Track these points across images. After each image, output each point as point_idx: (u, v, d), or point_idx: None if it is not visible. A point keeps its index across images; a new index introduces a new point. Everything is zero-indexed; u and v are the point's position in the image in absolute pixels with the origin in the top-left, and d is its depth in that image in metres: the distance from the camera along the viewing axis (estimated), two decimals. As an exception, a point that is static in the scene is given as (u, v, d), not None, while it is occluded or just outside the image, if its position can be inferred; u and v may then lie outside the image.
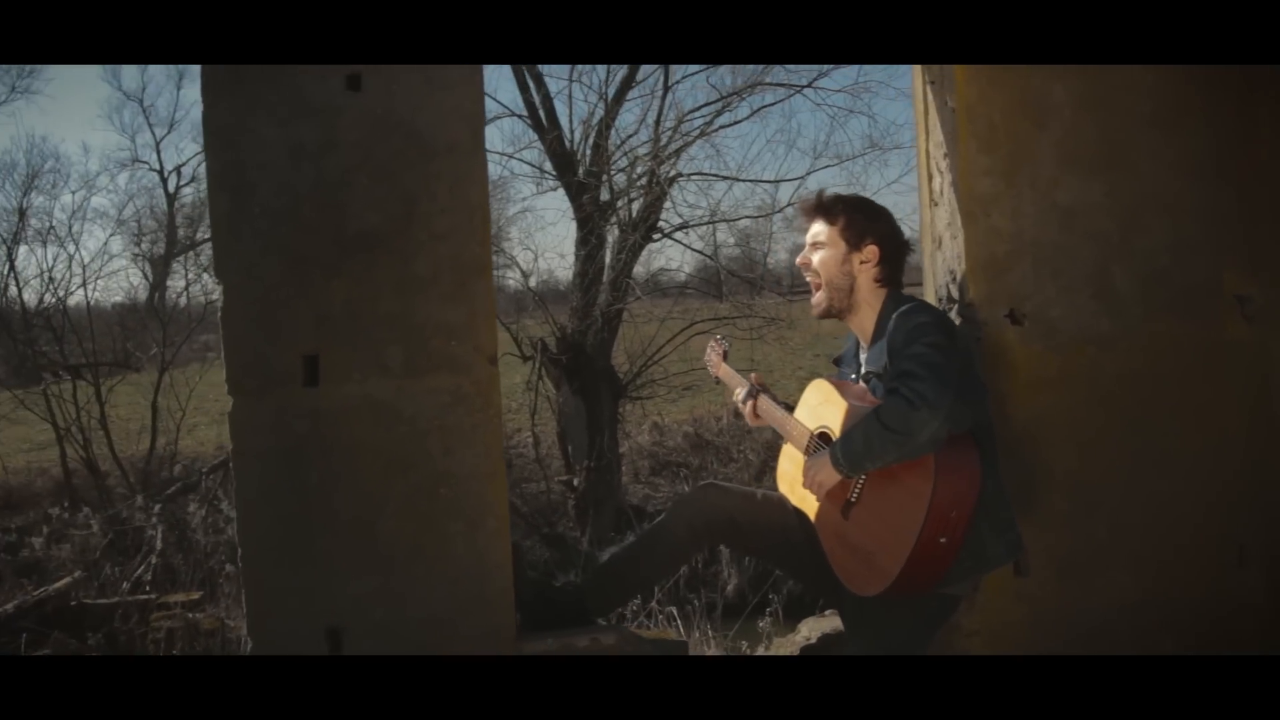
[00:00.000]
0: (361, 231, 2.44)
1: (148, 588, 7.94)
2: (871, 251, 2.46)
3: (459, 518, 2.48)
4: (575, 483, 11.60)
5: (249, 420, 2.43)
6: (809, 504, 2.49)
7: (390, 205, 2.45)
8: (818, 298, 2.53)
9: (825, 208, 2.52)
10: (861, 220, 2.48)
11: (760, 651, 4.03)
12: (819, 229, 2.52)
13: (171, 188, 22.83)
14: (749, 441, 12.93)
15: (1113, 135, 2.73)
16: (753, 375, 2.81)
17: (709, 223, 13.04)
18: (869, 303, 2.48)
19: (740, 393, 2.75)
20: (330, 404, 2.44)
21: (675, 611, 5.63)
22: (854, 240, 2.47)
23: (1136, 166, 2.74)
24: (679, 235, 13.18)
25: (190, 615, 6.94)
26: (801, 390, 2.64)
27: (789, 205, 12.86)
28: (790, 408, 2.64)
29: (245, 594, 2.45)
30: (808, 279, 2.54)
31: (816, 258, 2.51)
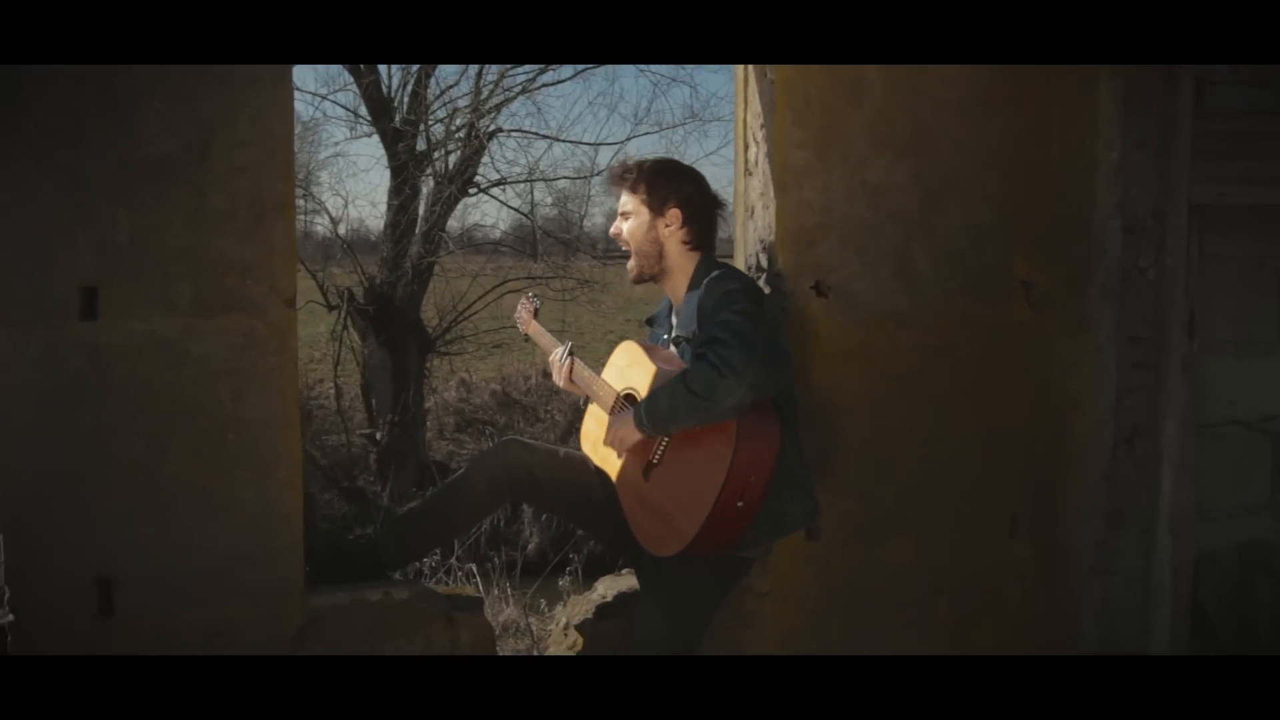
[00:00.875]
0: (152, 158, 2.27)
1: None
2: (674, 215, 2.46)
3: (248, 465, 2.36)
4: (378, 436, 11.36)
5: (15, 353, 2.24)
6: (611, 464, 2.50)
7: (186, 132, 2.29)
8: (630, 264, 2.53)
9: (629, 176, 2.52)
10: (662, 184, 2.48)
11: (556, 609, 4.04)
12: (626, 198, 2.52)
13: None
14: (556, 402, 12.94)
15: (920, 119, 2.82)
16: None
17: (527, 180, 12.93)
18: (681, 267, 2.49)
19: (559, 352, 2.72)
20: (109, 340, 2.28)
21: (475, 569, 5.59)
22: (656, 206, 2.48)
23: (940, 151, 2.84)
24: (495, 192, 13.02)
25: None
26: (611, 353, 2.63)
27: (607, 169, 12.87)
28: (597, 370, 2.63)
29: (2, 539, 2.27)
30: (622, 248, 2.54)
31: (625, 227, 2.52)
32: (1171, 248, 2.99)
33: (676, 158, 2.75)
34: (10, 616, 2.27)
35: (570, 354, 2.68)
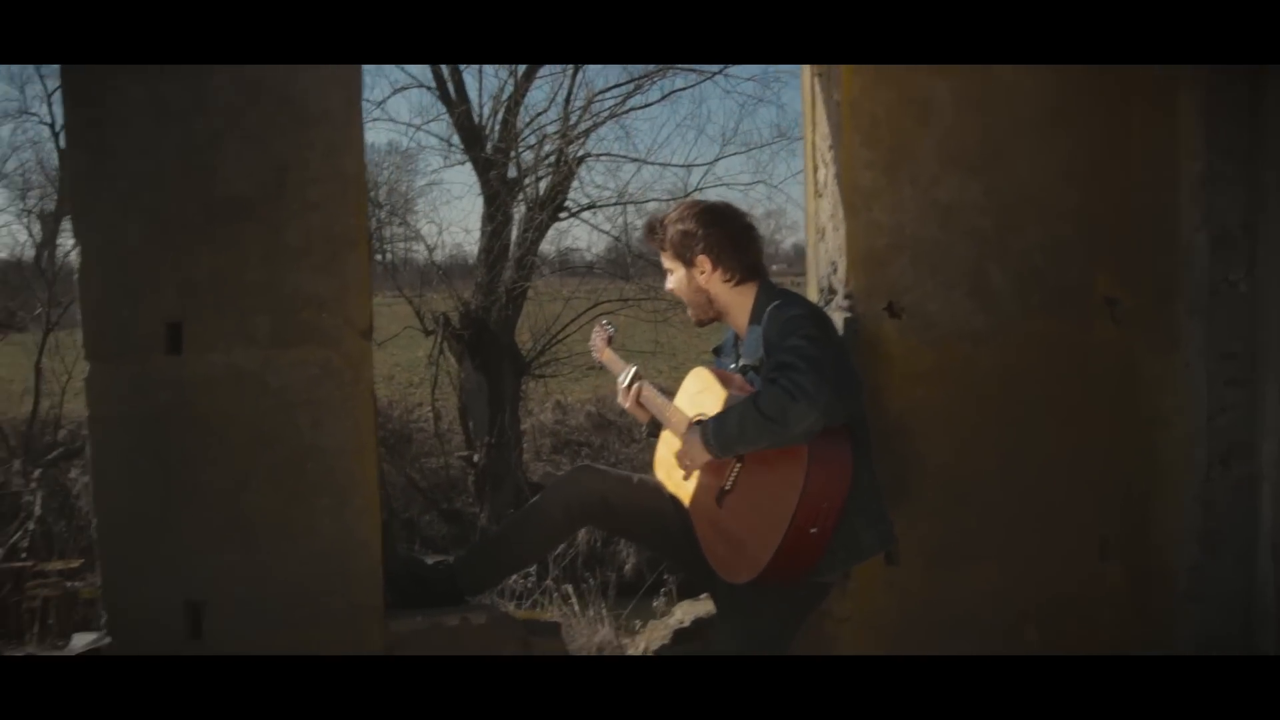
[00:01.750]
0: (230, 197, 2.36)
1: (24, 554, 7.68)
2: (704, 262, 2.47)
3: (326, 493, 2.43)
4: (475, 459, 11.52)
5: (107, 387, 2.34)
6: (684, 490, 2.50)
7: (261, 172, 2.37)
8: (689, 312, 2.58)
9: (656, 237, 2.54)
10: (681, 237, 2.48)
11: (637, 631, 4.04)
12: (663, 257, 2.56)
13: (63, 142, 21.88)
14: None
15: (992, 136, 2.78)
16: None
17: (616, 204, 13.02)
18: (736, 304, 2.49)
19: (625, 376, 2.75)
20: (194, 373, 2.37)
21: (571, 589, 5.63)
22: (686, 258, 2.49)
23: (1014, 168, 2.79)
24: (585, 215, 13.14)
25: (69, 584, 6.73)
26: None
27: (697, 189, 12.90)
28: (670, 395, 2.64)
29: (101, 565, 2.37)
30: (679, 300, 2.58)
31: (670, 283, 2.57)
32: (1264, 259, 2.88)
33: (764, 179, 2.76)
34: (107, 639, 2.37)
35: (637, 377, 2.70)
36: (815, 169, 2.90)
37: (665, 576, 6.06)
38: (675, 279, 2.53)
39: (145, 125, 2.31)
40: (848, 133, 2.70)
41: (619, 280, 13.73)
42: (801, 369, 2.14)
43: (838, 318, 2.72)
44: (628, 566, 9.65)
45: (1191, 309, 2.85)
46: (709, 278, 2.48)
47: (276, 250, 2.38)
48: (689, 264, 2.49)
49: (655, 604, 5.48)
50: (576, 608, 5.44)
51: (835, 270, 2.80)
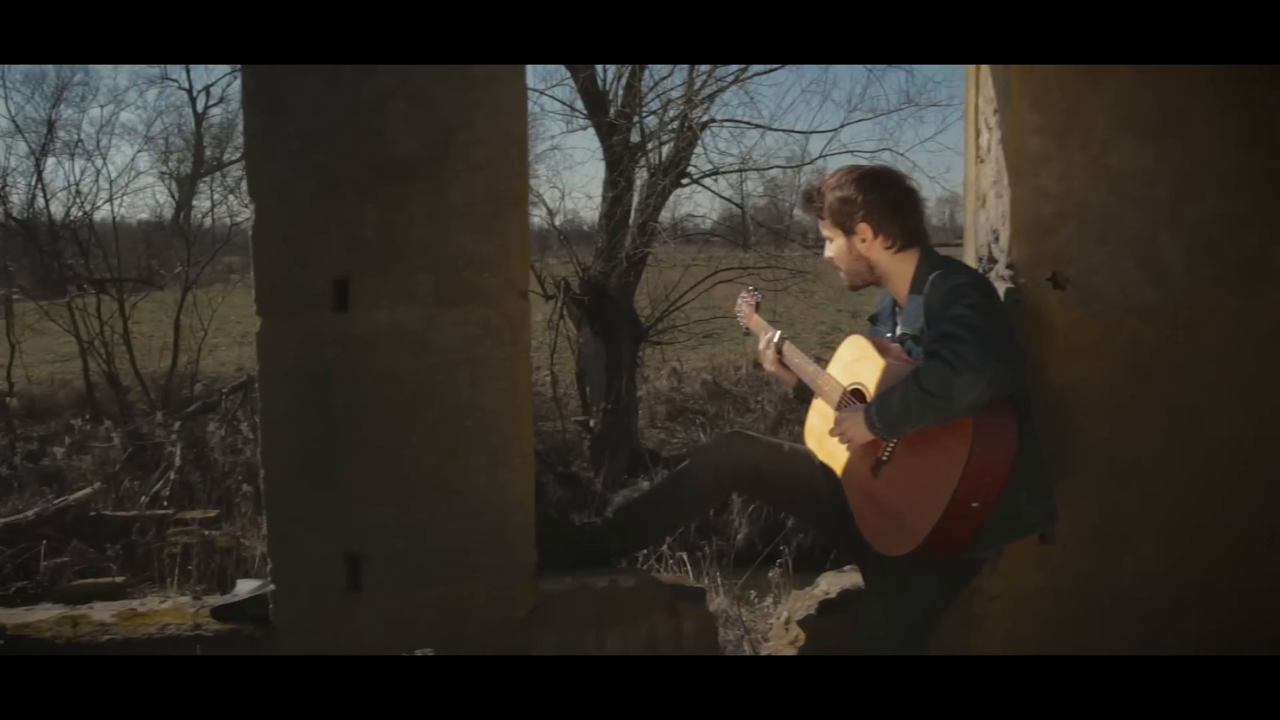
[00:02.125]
0: (397, 157, 2.39)
1: (165, 503, 8.03)
2: (865, 230, 2.41)
3: (483, 451, 2.46)
4: (591, 424, 11.61)
5: (277, 342, 2.41)
6: (837, 460, 2.46)
7: (427, 132, 2.40)
8: (842, 275, 2.53)
9: (814, 205, 2.49)
10: (840, 204, 2.42)
11: (774, 601, 4.03)
12: (821, 223, 2.51)
13: (200, 107, 22.68)
14: (767, 392, 12.91)
15: (1169, 99, 2.65)
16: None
17: (739, 170, 12.94)
18: (897, 271, 2.43)
19: (769, 336, 2.72)
20: (359, 330, 2.42)
21: (685, 557, 5.64)
22: (846, 226, 2.44)
23: (1192, 133, 2.66)
24: (708, 182, 13.07)
25: (206, 532, 7.03)
26: (823, 345, 2.60)
27: (820, 157, 12.72)
28: (820, 363, 2.60)
29: (266, 515, 2.45)
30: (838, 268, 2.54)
31: (829, 251, 2.52)
32: None
33: (891, 145, 2.69)
34: (272, 586, 2.45)
35: (783, 339, 2.68)
36: (977, 134, 2.81)
37: (780, 548, 6.03)
38: (834, 247, 2.49)
39: (317, 85, 2.35)
40: (1016, 96, 2.61)
41: (738, 249, 13.65)
42: (965, 339, 2.08)
43: (999, 287, 2.64)
44: (740, 536, 9.65)
45: (1378, 285, 2.69)
46: (870, 245, 2.43)
47: (441, 210, 2.40)
48: (849, 232, 2.44)
49: (770, 574, 5.45)
50: (691, 576, 5.46)
51: (997, 238, 2.72)
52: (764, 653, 2.87)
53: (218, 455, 9.41)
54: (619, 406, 11.39)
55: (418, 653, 2.19)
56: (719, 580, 5.54)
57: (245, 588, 2.53)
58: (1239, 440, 2.71)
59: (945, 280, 2.28)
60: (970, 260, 2.86)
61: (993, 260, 2.74)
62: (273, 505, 2.44)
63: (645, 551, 5.42)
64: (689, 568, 5.52)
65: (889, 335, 2.51)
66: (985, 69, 2.76)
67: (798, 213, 16.23)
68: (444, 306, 2.43)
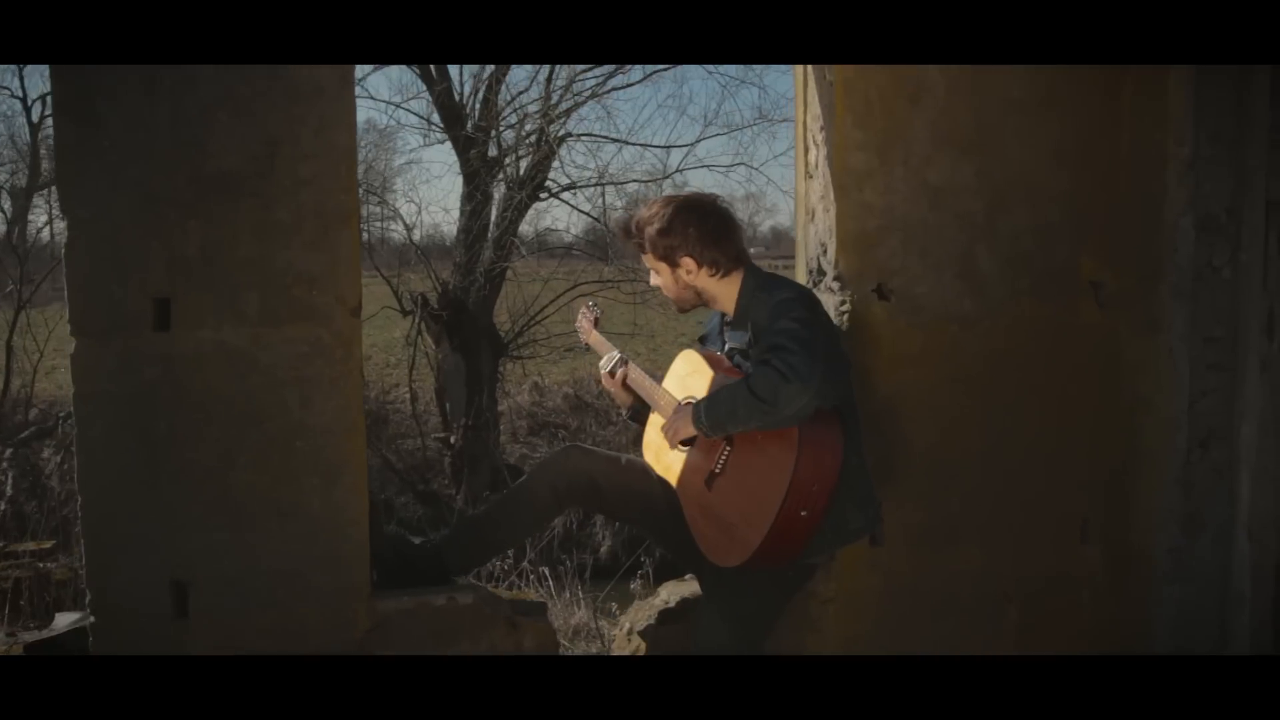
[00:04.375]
0: (221, 172, 2.33)
1: (-6, 535, 7.60)
2: (688, 263, 2.46)
3: (315, 471, 2.41)
4: (452, 440, 11.49)
5: (93, 363, 2.31)
6: (673, 473, 2.50)
7: (252, 146, 2.35)
8: (675, 305, 2.57)
9: (635, 240, 2.52)
10: (662, 241, 2.46)
11: (618, 614, 4.05)
12: (644, 257, 2.54)
13: (35, 116, 21.65)
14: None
15: (983, 118, 2.78)
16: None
17: (597, 184, 12.97)
18: (723, 292, 2.48)
19: (608, 359, 2.75)
20: (182, 349, 2.34)
21: (547, 571, 5.62)
22: (669, 260, 2.48)
23: (1005, 150, 2.80)
24: (566, 196, 13.09)
25: (41, 565, 6.67)
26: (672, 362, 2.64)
27: (678, 170, 12.88)
28: (658, 379, 2.64)
29: (85, 543, 2.34)
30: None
31: (654, 281, 2.56)
32: (1248, 245, 2.90)
33: (745, 160, 2.75)
34: (92, 618, 2.35)
35: (623, 363, 2.70)
36: (806, 150, 2.90)
37: (642, 559, 6.07)
38: (661, 279, 2.52)
39: (135, 96, 2.27)
40: (840, 113, 2.70)
41: (599, 262, 13.69)
42: (794, 350, 2.14)
43: (827, 299, 2.73)
44: (604, 549, 9.69)
45: (1175, 293, 2.87)
46: (695, 275, 2.47)
47: (267, 226, 2.35)
48: (674, 264, 2.48)
49: (632, 586, 5.49)
50: (553, 590, 5.45)
51: (825, 251, 2.81)
52: (609, 664, 2.88)
53: (54, 483, 8.96)
54: (480, 422, 11.30)
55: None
56: (580, 594, 5.55)
57: (63, 621, 2.43)
58: (1053, 442, 2.86)
59: (771, 296, 2.34)
60: (801, 273, 2.94)
61: (822, 272, 2.82)
62: (91, 532, 2.33)
63: (505, 567, 5.40)
64: (550, 581, 5.51)
65: (719, 351, 2.56)
66: (813, 87, 2.85)
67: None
68: (272, 325, 2.37)
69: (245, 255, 2.35)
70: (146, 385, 2.33)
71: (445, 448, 11.67)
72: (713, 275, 2.46)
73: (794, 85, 2.98)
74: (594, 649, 4.37)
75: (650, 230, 2.46)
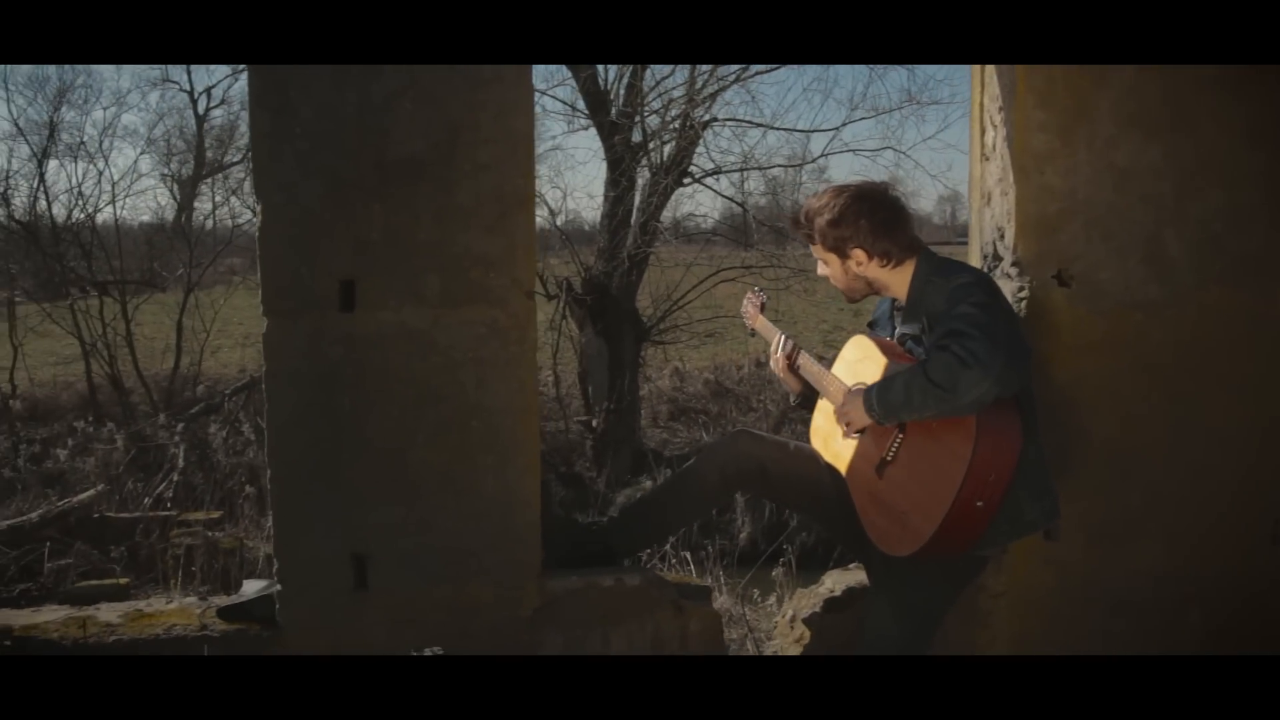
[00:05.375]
0: (404, 158, 2.40)
1: (169, 504, 8.04)
2: (859, 255, 2.40)
3: (490, 451, 2.46)
4: (594, 423, 11.63)
5: (283, 342, 2.41)
6: (842, 460, 2.46)
7: (434, 132, 2.40)
8: (844, 296, 2.53)
9: (804, 231, 2.47)
10: (832, 232, 2.40)
11: (778, 599, 4.03)
12: (813, 248, 2.49)
13: (201, 109, 22.72)
14: (769, 391, 12.92)
15: (1174, 96, 2.65)
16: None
17: (740, 169, 12.94)
18: (896, 280, 2.42)
19: (779, 342, 2.72)
20: (365, 330, 2.42)
21: (689, 556, 5.64)
22: (839, 252, 2.42)
23: (1196, 129, 2.66)
24: (709, 181, 13.07)
25: (209, 533, 7.03)
26: (825, 343, 2.60)
27: (822, 155, 12.71)
28: (824, 363, 2.61)
29: (273, 515, 2.45)
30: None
31: (824, 272, 2.51)
32: None
33: (893, 144, 2.69)
34: (278, 586, 2.45)
35: (794, 345, 2.67)
36: (983, 131, 2.82)
37: (784, 546, 6.03)
38: (831, 270, 2.48)
39: (325, 86, 2.35)
40: (1022, 93, 2.61)
41: (739, 247, 13.65)
42: (974, 335, 2.08)
43: (1004, 285, 2.65)
44: (743, 535, 9.66)
45: (1383, 280, 2.69)
46: (866, 266, 2.42)
47: (447, 210, 2.41)
48: (844, 256, 2.43)
49: (774, 573, 5.46)
50: (694, 574, 5.46)
51: (1002, 236, 2.72)
52: (768, 651, 2.87)
53: (220, 457, 9.42)
54: (621, 406, 11.40)
55: (426, 652, 2.19)
56: (722, 579, 5.55)
57: (251, 588, 2.53)
58: (1244, 436, 2.71)
59: (949, 280, 2.28)
60: (975, 258, 2.86)
61: (998, 258, 2.74)
62: (279, 505, 2.44)
63: (649, 551, 5.44)
64: (692, 567, 5.53)
65: (889, 337, 2.51)
66: (991, 67, 2.76)
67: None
68: (450, 306, 2.43)
69: (426, 238, 2.41)
70: (331, 364, 2.42)
71: (588, 431, 11.82)
72: (884, 266, 2.41)
73: (969, 66, 2.89)
74: (738, 635, 4.37)
75: (820, 221, 2.42)
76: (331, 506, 2.44)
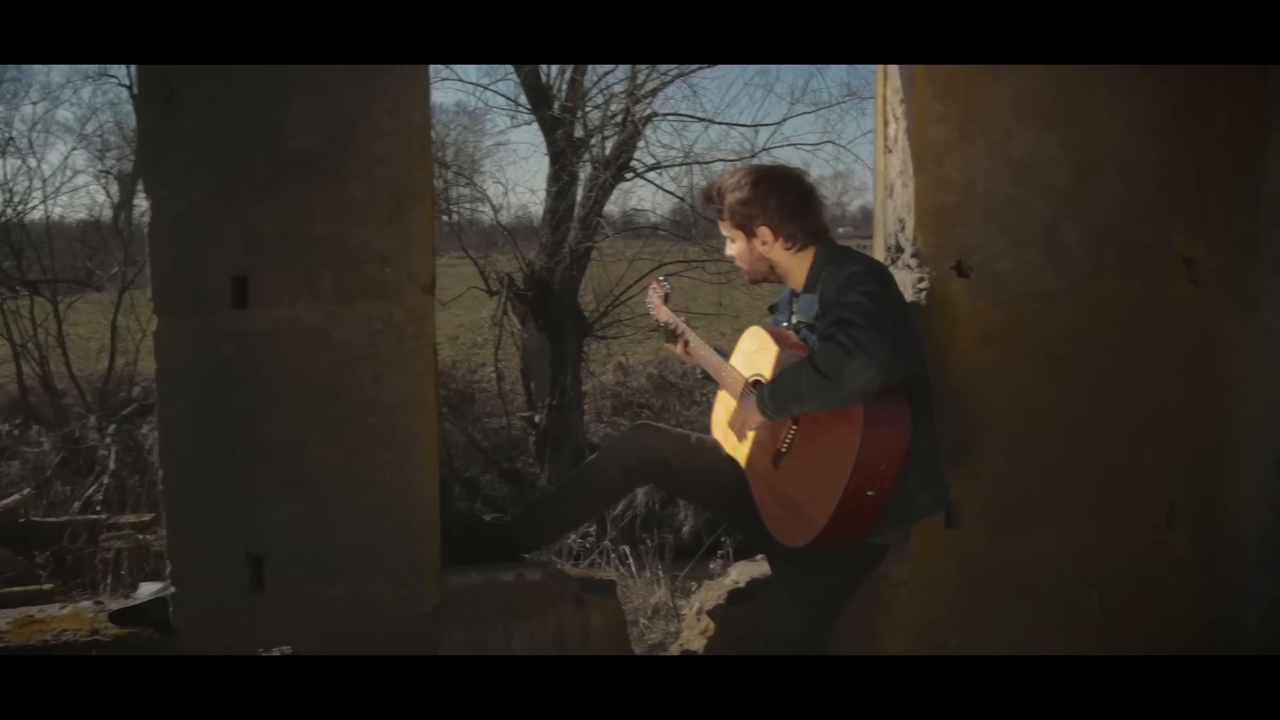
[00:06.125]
0: (297, 151, 2.37)
1: (99, 508, 7.88)
2: (765, 234, 2.41)
3: (387, 447, 2.44)
4: (536, 419, 11.59)
5: (174, 340, 2.38)
6: (741, 452, 2.48)
7: (327, 125, 2.38)
8: (746, 276, 2.54)
9: (714, 206, 2.48)
10: (741, 209, 2.42)
11: (693, 592, 4.04)
12: (721, 224, 2.50)
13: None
14: (712, 385, 12.88)
15: (1070, 89, 2.68)
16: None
17: (682, 164, 12.91)
18: (797, 265, 2.44)
19: (677, 328, 2.74)
20: (259, 327, 2.39)
21: (629, 550, 5.64)
22: (747, 229, 2.44)
23: (1092, 121, 2.70)
24: (651, 176, 13.07)
25: (140, 536, 6.91)
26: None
27: (764, 150, 12.76)
28: (727, 355, 2.62)
29: (165, 516, 2.42)
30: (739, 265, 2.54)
31: (730, 251, 2.52)
32: (1351, 218, 2.76)
33: (833, 137, 2.70)
34: (172, 588, 2.42)
35: (687, 329, 2.69)
36: (885, 124, 2.84)
37: (723, 539, 6.05)
38: (735, 247, 2.49)
39: (214, 78, 2.32)
40: (920, 85, 2.63)
41: (683, 242, 13.65)
42: (859, 324, 2.09)
43: (904, 276, 2.67)
44: (685, 529, 9.67)
45: (1275, 269, 2.75)
46: (770, 247, 2.43)
47: (342, 204, 2.38)
48: (750, 234, 2.44)
49: (712, 566, 5.48)
50: (634, 568, 5.47)
51: (903, 228, 2.74)
52: (679, 643, 2.87)
53: (154, 458, 9.26)
54: (564, 402, 11.37)
55: (275, 651, 2.17)
56: (661, 573, 5.56)
57: (146, 590, 2.49)
58: (1139, 423, 2.76)
59: (842, 269, 2.30)
60: (879, 250, 2.88)
61: (899, 249, 2.76)
62: (172, 506, 2.40)
63: (586, 545, 5.44)
64: (631, 560, 5.53)
65: (784, 324, 2.52)
66: (891, 60, 2.78)
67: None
68: (345, 302, 2.41)
69: (320, 233, 2.39)
70: (224, 362, 2.39)
71: (530, 427, 11.78)
72: (788, 249, 2.42)
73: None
74: (672, 628, 4.38)
75: (731, 198, 2.44)
76: (226, 506, 2.41)
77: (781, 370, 2.24)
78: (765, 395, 2.22)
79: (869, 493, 2.16)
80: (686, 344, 2.68)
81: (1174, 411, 2.77)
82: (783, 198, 2.41)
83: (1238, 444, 2.80)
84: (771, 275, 2.48)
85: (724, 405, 2.59)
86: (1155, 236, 2.75)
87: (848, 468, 2.13)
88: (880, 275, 2.28)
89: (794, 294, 2.50)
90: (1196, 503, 2.81)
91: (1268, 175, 2.76)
